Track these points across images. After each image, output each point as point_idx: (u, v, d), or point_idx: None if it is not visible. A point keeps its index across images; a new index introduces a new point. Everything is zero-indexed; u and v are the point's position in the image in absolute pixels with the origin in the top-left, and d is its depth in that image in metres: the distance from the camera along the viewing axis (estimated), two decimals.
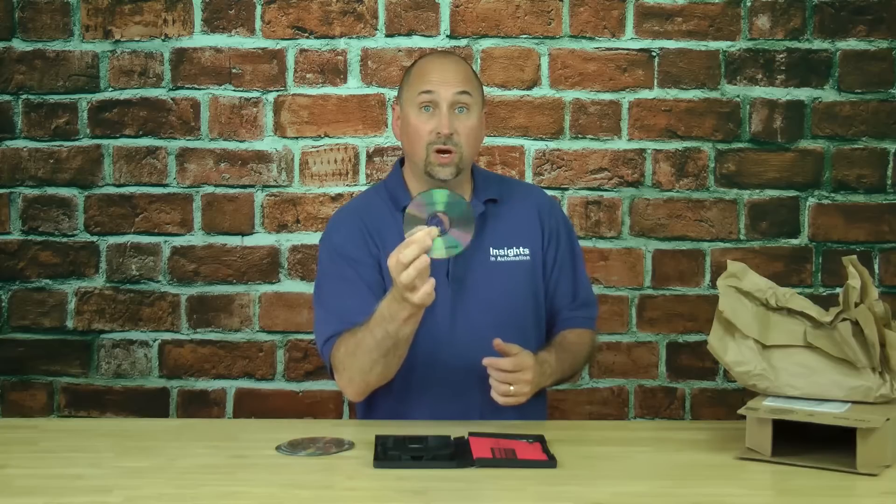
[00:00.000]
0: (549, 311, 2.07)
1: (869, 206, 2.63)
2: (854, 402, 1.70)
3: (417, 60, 2.06)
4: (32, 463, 1.67)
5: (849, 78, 2.61)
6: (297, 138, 2.62)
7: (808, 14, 2.60)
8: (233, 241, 2.64)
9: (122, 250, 2.64)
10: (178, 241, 2.64)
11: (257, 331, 2.65)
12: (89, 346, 2.66)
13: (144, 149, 2.63)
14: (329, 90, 2.62)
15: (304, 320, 2.62)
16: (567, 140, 2.62)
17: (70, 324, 2.66)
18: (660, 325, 2.64)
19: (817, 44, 2.61)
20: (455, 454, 1.65)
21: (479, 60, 2.61)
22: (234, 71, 2.62)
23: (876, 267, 2.62)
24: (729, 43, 2.61)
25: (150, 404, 2.65)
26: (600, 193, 2.63)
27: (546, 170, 2.62)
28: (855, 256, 1.78)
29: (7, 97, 2.63)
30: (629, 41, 2.61)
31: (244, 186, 2.63)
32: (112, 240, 2.64)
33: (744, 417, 1.70)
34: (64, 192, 2.64)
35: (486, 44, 2.61)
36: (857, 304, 1.72)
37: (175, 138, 2.63)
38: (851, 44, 2.60)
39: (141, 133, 2.63)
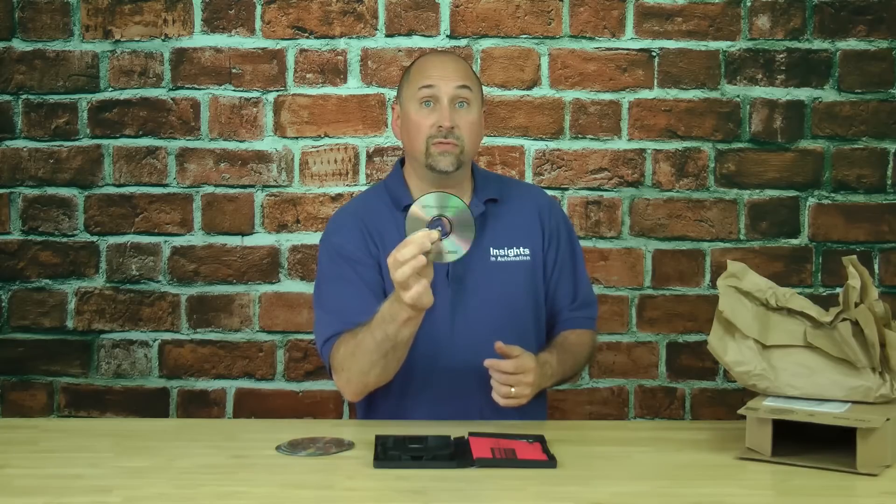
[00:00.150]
0: (550, 312, 2.07)
1: (869, 206, 2.63)
2: (854, 402, 1.70)
3: (416, 59, 2.06)
4: (32, 463, 1.67)
5: (849, 78, 2.61)
6: (297, 138, 2.62)
7: (808, 14, 2.60)
8: (233, 241, 2.64)
9: (122, 250, 2.64)
10: (178, 241, 2.64)
11: (257, 331, 2.65)
12: (89, 346, 2.66)
13: (144, 149, 2.63)
14: (329, 90, 2.62)
15: (304, 320, 2.62)
16: (567, 140, 2.62)
17: (70, 324, 2.66)
18: (660, 325, 2.64)
19: (817, 44, 2.61)
20: (455, 454, 1.65)
21: (479, 60, 2.61)
22: (234, 71, 2.62)
23: (876, 267, 2.62)
24: (729, 43, 2.61)
25: (150, 404, 2.65)
26: (600, 193, 2.63)
27: (546, 170, 2.62)
28: (855, 256, 1.78)
29: (7, 97, 2.63)
30: (629, 41, 2.61)
31: (244, 186, 2.63)
32: (112, 240, 2.64)
33: (744, 417, 1.70)
34: (64, 192, 2.64)
35: (486, 44, 2.61)
36: (857, 304, 1.72)
37: (175, 138, 2.63)
38: (851, 44, 2.61)
39: (141, 133, 2.63)
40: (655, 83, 2.61)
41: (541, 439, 1.73)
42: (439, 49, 2.58)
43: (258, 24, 2.61)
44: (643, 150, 2.62)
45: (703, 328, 2.58)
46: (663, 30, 2.61)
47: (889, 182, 2.63)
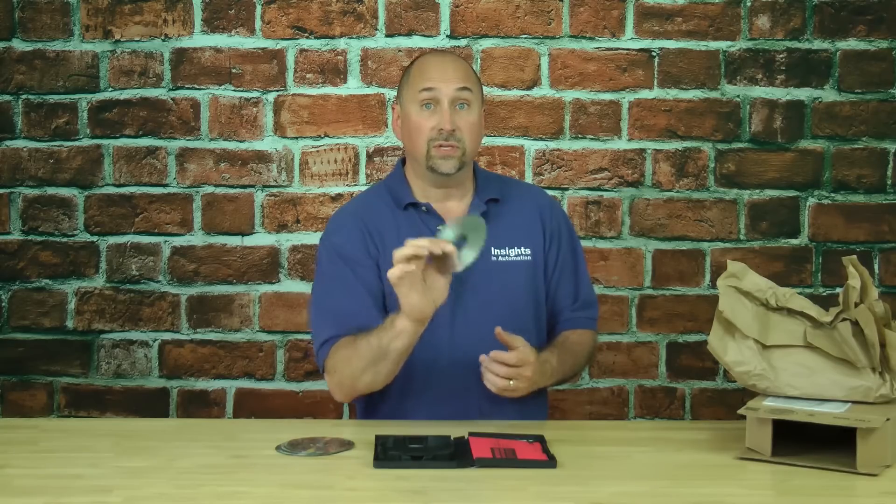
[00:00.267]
0: (551, 312, 2.07)
1: (869, 206, 2.63)
2: (854, 402, 1.70)
3: (416, 59, 2.06)
4: (32, 463, 1.67)
5: (849, 78, 2.61)
6: (297, 138, 2.62)
7: (808, 14, 2.60)
8: (233, 241, 2.64)
9: (122, 250, 2.64)
10: (178, 241, 2.64)
11: (257, 331, 2.65)
12: (89, 346, 2.66)
13: (144, 149, 2.63)
14: (329, 90, 2.62)
15: (304, 320, 2.62)
16: (567, 140, 2.62)
17: (70, 324, 2.66)
18: (660, 325, 2.64)
19: (817, 44, 2.61)
20: (455, 454, 1.64)
21: (479, 60, 2.61)
22: (234, 71, 2.62)
23: (876, 267, 2.62)
24: (729, 43, 2.61)
25: (150, 404, 2.65)
26: (600, 193, 2.63)
27: (546, 170, 2.62)
28: (855, 256, 1.78)
29: (7, 97, 2.63)
30: (629, 41, 2.61)
31: (244, 186, 2.63)
32: (112, 240, 2.64)
33: (744, 417, 1.70)
34: (64, 192, 2.64)
35: (486, 44, 2.61)
36: (857, 304, 1.72)
37: (175, 138, 2.63)
38: (851, 44, 2.60)
39: (141, 133, 2.63)
40: (655, 83, 2.61)
41: (541, 439, 1.73)
42: (439, 49, 2.58)
43: (258, 24, 2.61)
44: (643, 150, 2.62)
45: (703, 328, 2.58)
46: (663, 30, 2.61)
47: (889, 182, 2.63)
